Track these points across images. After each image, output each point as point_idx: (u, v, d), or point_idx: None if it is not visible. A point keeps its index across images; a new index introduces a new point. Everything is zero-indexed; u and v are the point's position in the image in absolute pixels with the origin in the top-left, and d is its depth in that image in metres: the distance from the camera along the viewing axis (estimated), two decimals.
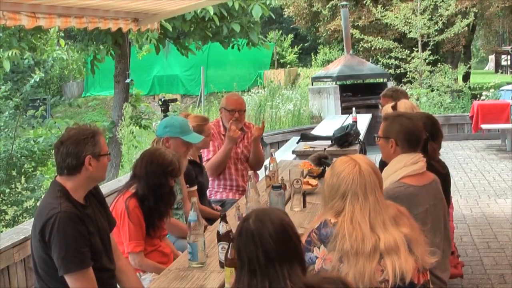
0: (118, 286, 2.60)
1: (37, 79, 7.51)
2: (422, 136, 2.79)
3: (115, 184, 4.72)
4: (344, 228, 1.94)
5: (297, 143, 5.56)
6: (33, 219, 2.41)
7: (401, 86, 12.34)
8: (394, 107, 3.70)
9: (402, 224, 2.00)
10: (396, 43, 14.53)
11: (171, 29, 7.04)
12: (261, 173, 4.23)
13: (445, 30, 13.93)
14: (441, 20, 13.58)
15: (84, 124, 2.42)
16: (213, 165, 4.20)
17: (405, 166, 2.63)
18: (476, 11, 16.03)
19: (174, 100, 7.22)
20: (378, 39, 14.75)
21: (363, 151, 5.30)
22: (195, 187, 3.65)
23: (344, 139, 5.11)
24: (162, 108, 6.20)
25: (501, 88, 12.28)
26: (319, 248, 1.99)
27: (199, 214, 2.50)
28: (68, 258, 2.22)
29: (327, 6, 18.40)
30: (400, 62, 13.67)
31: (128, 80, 7.99)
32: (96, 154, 2.32)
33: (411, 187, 2.56)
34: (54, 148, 2.40)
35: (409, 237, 1.96)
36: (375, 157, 7.07)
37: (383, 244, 1.90)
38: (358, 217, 1.95)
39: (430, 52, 13.43)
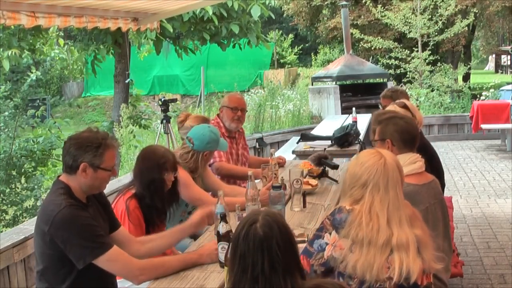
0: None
1: (34, 78, 7.48)
2: (417, 134, 2.81)
3: (115, 184, 4.70)
4: (362, 216, 1.95)
5: (297, 143, 5.56)
6: (33, 218, 2.40)
7: (401, 86, 12.34)
8: (405, 107, 3.62)
9: (415, 226, 2.01)
10: (396, 43, 14.53)
11: (169, 31, 7.02)
12: None
13: (445, 30, 13.93)
14: (441, 20, 13.57)
15: (103, 133, 2.38)
16: (228, 173, 4.05)
17: (404, 166, 2.64)
18: (476, 11, 16.02)
19: (174, 100, 7.21)
20: (378, 39, 14.75)
21: None
22: None
23: (344, 139, 5.12)
24: (162, 108, 6.20)
25: (501, 88, 12.27)
26: (330, 234, 2.00)
27: (226, 206, 2.55)
28: (90, 246, 2.22)
29: (325, 3, 18.38)
30: (400, 62, 13.67)
31: (128, 80, 7.99)
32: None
33: (410, 186, 2.56)
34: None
35: (419, 239, 1.97)
36: None
37: (395, 240, 1.92)
38: (377, 208, 1.96)
39: (430, 52, 13.43)
